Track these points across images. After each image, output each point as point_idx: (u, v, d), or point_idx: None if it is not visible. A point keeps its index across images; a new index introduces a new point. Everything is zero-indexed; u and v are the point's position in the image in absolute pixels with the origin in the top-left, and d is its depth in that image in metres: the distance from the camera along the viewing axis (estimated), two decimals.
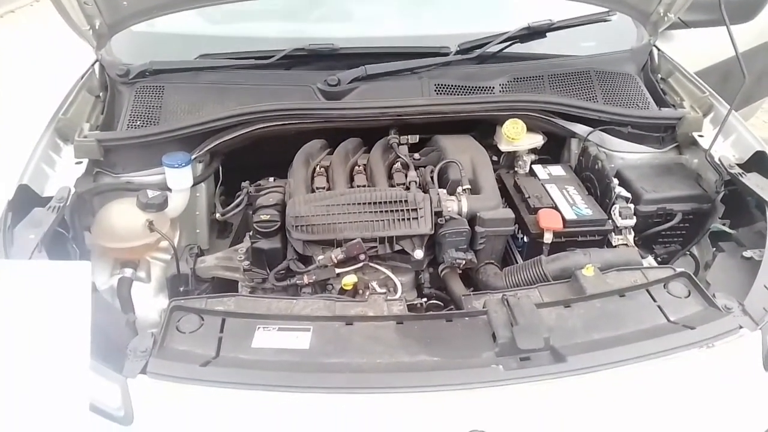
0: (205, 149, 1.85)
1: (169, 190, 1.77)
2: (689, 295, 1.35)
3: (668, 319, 1.29)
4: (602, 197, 1.83)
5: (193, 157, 1.80)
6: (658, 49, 2.22)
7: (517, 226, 1.75)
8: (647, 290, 1.36)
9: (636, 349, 1.19)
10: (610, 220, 1.74)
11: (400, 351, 1.21)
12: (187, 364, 1.14)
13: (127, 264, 1.67)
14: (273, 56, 2.02)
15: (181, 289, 1.73)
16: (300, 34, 2.28)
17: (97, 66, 2.05)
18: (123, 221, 1.65)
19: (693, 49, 2.66)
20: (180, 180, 1.76)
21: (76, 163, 1.73)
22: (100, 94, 2.03)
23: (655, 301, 1.33)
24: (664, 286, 1.37)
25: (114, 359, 1.16)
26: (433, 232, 1.61)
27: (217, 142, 1.85)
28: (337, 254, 1.56)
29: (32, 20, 6.23)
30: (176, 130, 1.79)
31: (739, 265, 1.54)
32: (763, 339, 1.24)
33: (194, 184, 1.83)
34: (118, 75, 1.99)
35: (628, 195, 1.80)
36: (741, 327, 1.24)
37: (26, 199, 1.53)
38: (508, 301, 1.28)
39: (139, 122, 1.87)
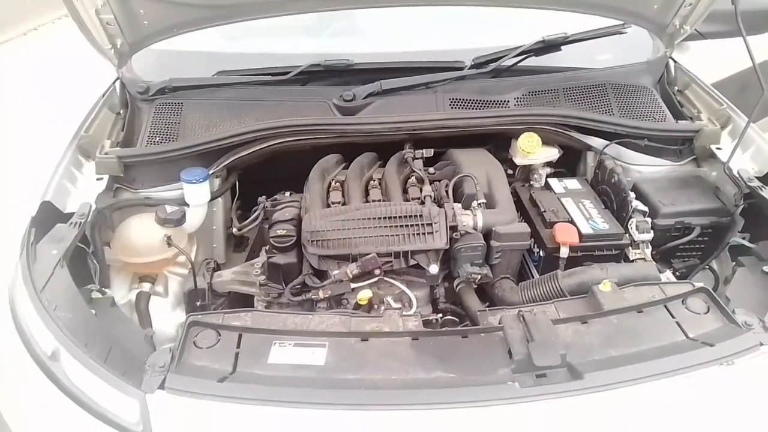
0: (223, 165, 1.87)
1: (187, 205, 1.79)
2: (708, 311, 1.33)
3: (687, 336, 1.27)
4: (619, 211, 1.82)
5: (210, 172, 1.83)
6: (675, 61, 2.21)
7: (532, 240, 1.75)
8: (665, 306, 1.34)
9: (654, 366, 1.17)
10: (627, 234, 1.73)
11: (416, 367, 1.21)
12: (204, 379, 1.15)
13: (146, 278, 1.69)
14: (289, 72, 2.05)
15: (198, 303, 1.76)
16: (316, 50, 2.31)
17: (117, 84, 2.09)
18: (142, 236, 1.68)
19: (710, 60, 2.64)
20: (198, 195, 1.79)
21: (97, 179, 1.77)
22: (121, 111, 2.07)
23: (673, 317, 1.32)
24: (682, 301, 1.35)
25: (133, 374, 1.17)
26: (448, 246, 1.62)
27: (235, 157, 1.87)
28: (352, 269, 1.57)
29: (55, 37, 6.38)
30: (194, 146, 1.82)
31: (759, 281, 1.51)
32: None
33: (211, 199, 1.85)
34: (138, 92, 2.03)
35: (646, 209, 1.78)
36: (762, 344, 1.21)
37: (49, 216, 1.57)
38: (524, 317, 1.27)
39: (158, 138, 1.90)
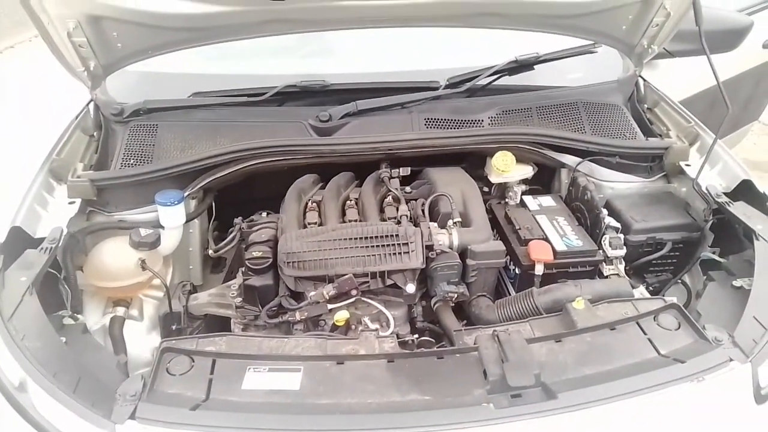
0: (198, 186, 1.86)
1: (162, 227, 1.78)
2: (679, 327, 1.35)
3: (659, 353, 1.28)
4: (592, 227, 1.85)
5: (186, 194, 1.82)
6: (644, 80, 2.26)
7: (508, 258, 1.76)
8: (637, 323, 1.36)
9: (626, 384, 1.18)
10: (600, 251, 1.75)
11: (391, 390, 1.21)
12: (176, 408, 1.13)
13: (120, 303, 1.67)
14: (265, 93, 2.05)
15: (174, 327, 1.73)
16: (292, 70, 2.32)
17: (91, 106, 2.08)
18: (115, 260, 1.65)
19: (679, 77, 2.70)
20: (173, 218, 1.77)
21: (69, 203, 1.74)
22: (95, 133, 2.05)
23: (645, 334, 1.33)
24: (654, 318, 1.37)
25: (103, 404, 1.15)
26: (424, 265, 1.62)
27: (210, 179, 1.86)
28: (328, 290, 1.56)
29: (32, 56, 6.30)
30: (169, 168, 1.81)
31: (729, 295, 1.54)
32: (753, 371, 1.24)
33: (187, 221, 1.84)
34: (113, 114, 2.01)
35: (618, 225, 1.81)
36: (731, 360, 1.23)
37: (18, 241, 1.54)
38: (498, 337, 1.28)
39: (132, 161, 1.89)
